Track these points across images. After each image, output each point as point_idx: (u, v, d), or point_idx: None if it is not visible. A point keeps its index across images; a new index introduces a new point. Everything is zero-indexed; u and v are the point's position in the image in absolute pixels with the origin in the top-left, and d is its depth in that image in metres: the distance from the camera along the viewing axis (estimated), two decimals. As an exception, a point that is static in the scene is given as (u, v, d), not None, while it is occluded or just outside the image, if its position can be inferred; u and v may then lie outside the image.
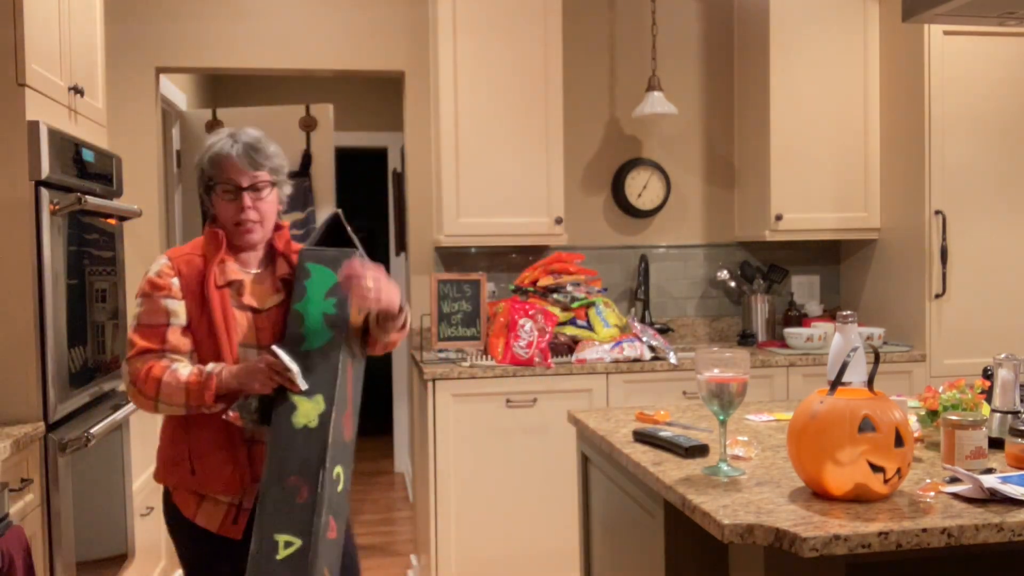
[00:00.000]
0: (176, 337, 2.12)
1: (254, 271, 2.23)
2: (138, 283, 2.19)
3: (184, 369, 2.08)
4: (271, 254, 2.27)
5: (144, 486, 3.59)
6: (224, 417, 2.08)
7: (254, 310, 2.18)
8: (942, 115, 3.86)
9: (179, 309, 2.13)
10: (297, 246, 2.29)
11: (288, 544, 1.94)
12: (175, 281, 2.14)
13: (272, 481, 1.99)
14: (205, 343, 2.13)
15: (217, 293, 2.14)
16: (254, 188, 2.17)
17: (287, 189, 2.28)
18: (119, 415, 2.97)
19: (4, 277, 2.51)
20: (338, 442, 2.04)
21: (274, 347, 2.06)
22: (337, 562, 2.08)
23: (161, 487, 2.25)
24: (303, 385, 2.03)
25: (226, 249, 2.19)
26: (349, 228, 2.25)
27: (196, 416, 2.12)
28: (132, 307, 2.18)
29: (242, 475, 2.13)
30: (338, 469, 2.04)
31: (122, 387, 3.28)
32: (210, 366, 2.09)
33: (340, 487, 2.05)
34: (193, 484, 2.16)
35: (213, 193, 2.18)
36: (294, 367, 2.02)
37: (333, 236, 2.25)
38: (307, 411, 2.04)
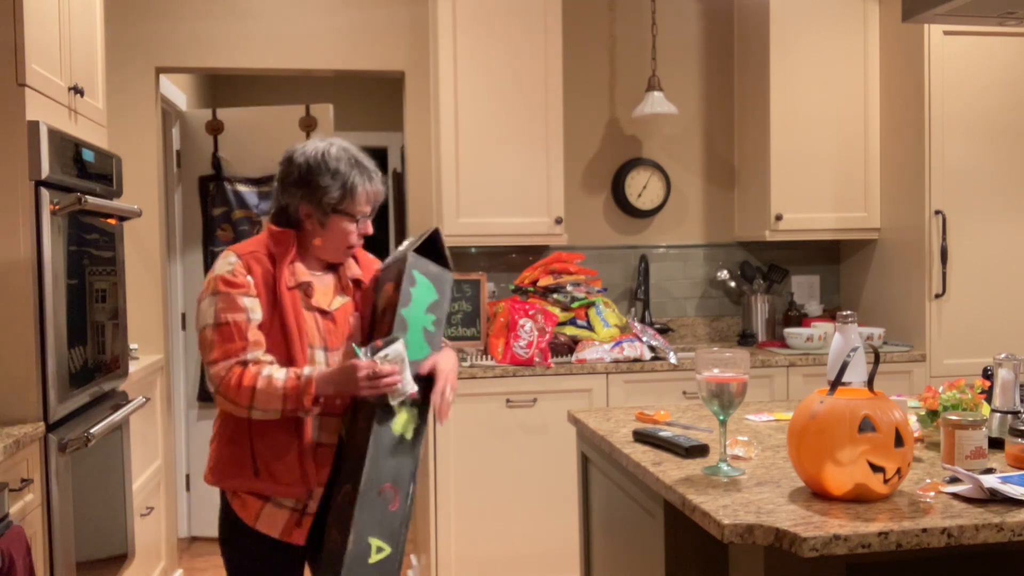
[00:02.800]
0: (256, 334, 2.09)
1: (318, 273, 2.23)
2: (207, 280, 2.11)
3: (279, 373, 2.04)
4: None
5: (144, 486, 3.59)
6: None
7: (322, 312, 2.18)
8: (942, 115, 3.86)
9: (256, 307, 2.11)
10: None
11: (380, 549, 1.98)
12: (250, 279, 2.11)
13: (371, 486, 1.99)
14: (276, 344, 2.11)
15: (289, 294, 2.13)
16: (367, 215, 2.21)
17: None
18: (119, 415, 2.96)
19: (4, 277, 2.51)
20: (420, 459, 2.09)
21: (367, 349, 2.05)
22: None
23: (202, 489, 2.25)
24: (410, 388, 2.04)
25: (295, 251, 2.18)
26: (446, 248, 2.26)
27: (267, 425, 2.09)
28: (204, 306, 2.09)
29: (310, 478, 2.11)
30: (414, 485, 2.09)
31: (122, 387, 3.28)
32: (306, 370, 2.06)
33: (410, 502, 2.09)
34: (257, 487, 2.12)
35: (331, 213, 2.15)
36: (384, 351, 2.02)
37: (430, 248, 2.24)
38: (404, 421, 2.06)
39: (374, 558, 1.96)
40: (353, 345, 2.10)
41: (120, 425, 3.09)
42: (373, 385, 2.01)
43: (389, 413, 2.05)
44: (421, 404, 2.09)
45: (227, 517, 2.19)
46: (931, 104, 3.86)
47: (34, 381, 2.53)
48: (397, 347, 2.04)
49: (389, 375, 2.01)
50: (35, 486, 2.46)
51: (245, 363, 2.05)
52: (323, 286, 2.22)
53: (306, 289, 2.17)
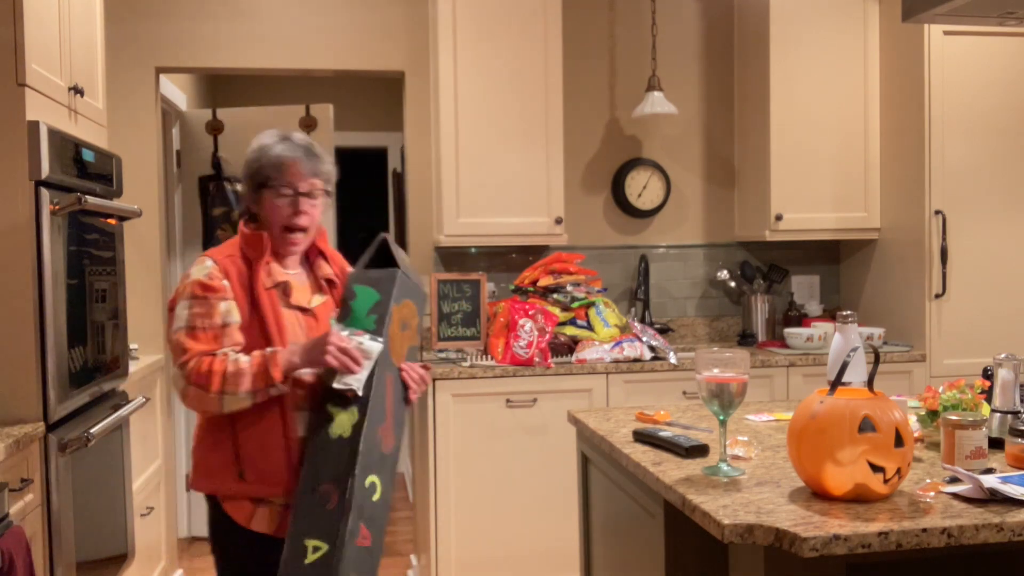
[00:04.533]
0: (234, 336, 2.11)
1: (293, 272, 2.26)
2: (171, 285, 2.17)
3: (244, 357, 2.07)
4: (308, 255, 2.31)
5: (144, 486, 3.59)
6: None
7: (303, 309, 2.22)
8: (942, 115, 3.86)
9: (233, 309, 2.13)
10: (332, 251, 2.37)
11: (316, 549, 1.98)
12: (226, 283, 2.13)
13: (306, 489, 2.03)
14: (258, 345, 2.12)
15: (267, 294, 2.15)
16: (310, 195, 2.18)
17: (330, 200, 2.30)
18: (119, 415, 2.96)
19: (4, 277, 2.51)
20: (373, 452, 2.07)
21: (332, 321, 2.10)
22: (372, 571, 2.09)
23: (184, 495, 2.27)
24: (358, 385, 2.06)
25: (269, 251, 2.20)
26: (395, 248, 2.30)
27: (243, 417, 2.10)
28: (179, 310, 2.11)
29: (297, 472, 2.12)
30: (372, 478, 2.07)
31: (122, 387, 3.28)
32: (270, 349, 2.09)
33: (376, 496, 2.08)
34: (244, 490, 2.13)
35: (265, 191, 2.17)
36: (361, 338, 2.06)
37: (380, 257, 2.31)
38: (342, 422, 2.07)
39: (310, 558, 1.97)
40: (331, 318, 2.14)
41: (120, 425, 3.09)
42: (338, 357, 2.03)
43: (326, 417, 2.08)
44: (363, 404, 2.10)
45: (219, 520, 2.19)
46: (931, 104, 3.86)
47: (34, 381, 2.53)
48: (374, 345, 2.08)
49: (355, 359, 2.04)
50: (35, 486, 2.46)
51: (214, 353, 2.07)
52: (300, 284, 2.25)
53: (284, 288, 2.19)
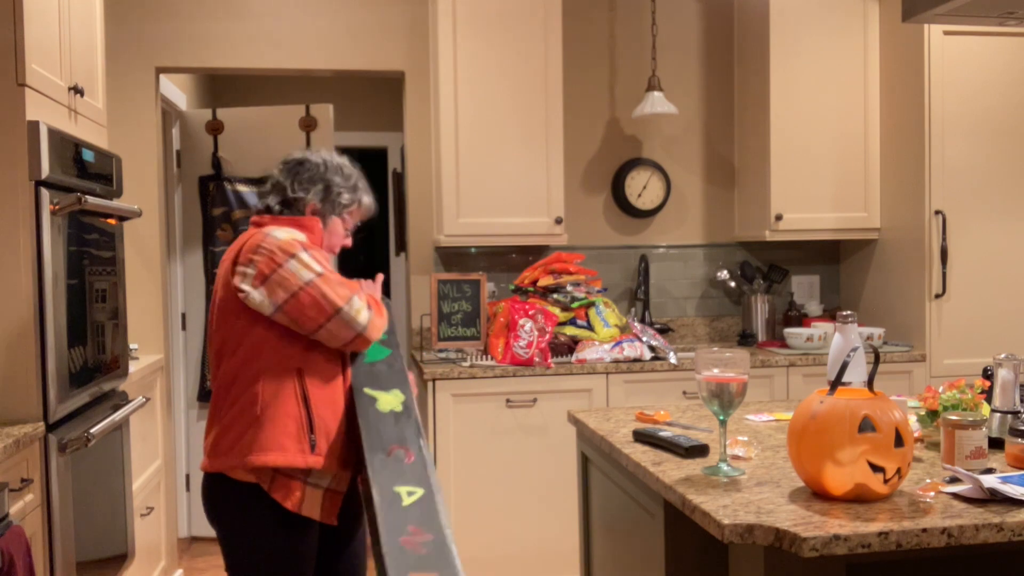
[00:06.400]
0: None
1: None
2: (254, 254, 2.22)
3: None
4: None
5: (144, 486, 3.59)
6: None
7: None
8: (942, 115, 3.86)
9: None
10: None
11: (411, 493, 2.02)
12: None
13: (375, 451, 2.09)
14: None
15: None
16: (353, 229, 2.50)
17: None
18: (119, 415, 2.96)
19: (4, 277, 2.51)
20: (420, 422, 2.24)
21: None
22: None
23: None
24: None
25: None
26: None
27: (317, 388, 2.20)
28: (295, 265, 2.18)
29: (351, 449, 2.25)
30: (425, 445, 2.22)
31: (122, 387, 3.28)
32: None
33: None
34: (307, 462, 2.16)
35: (340, 212, 2.40)
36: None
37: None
38: (389, 400, 2.20)
39: (407, 501, 2.00)
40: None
41: (120, 425, 3.10)
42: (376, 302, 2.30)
43: (369, 399, 2.20)
44: (403, 384, 2.26)
45: (261, 506, 2.18)
46: (931, 104, 3.86)
47: (34, 381, 2.53)
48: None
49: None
50: (35, 486, 2.46)
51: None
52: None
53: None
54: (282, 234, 2.21)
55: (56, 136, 2.61)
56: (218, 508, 2.25)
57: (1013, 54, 3.92)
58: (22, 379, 2.52)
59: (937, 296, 3.89)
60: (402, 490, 2.01)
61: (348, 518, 2.39)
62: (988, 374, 2.28)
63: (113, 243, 3.16)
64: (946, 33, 3.84)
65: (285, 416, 2.17)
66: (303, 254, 2.18)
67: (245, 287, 2.17)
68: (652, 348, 3.84)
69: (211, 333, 2.31)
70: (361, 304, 2.20)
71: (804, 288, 4.52)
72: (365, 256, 8.58)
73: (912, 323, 3.99)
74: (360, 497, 2.37)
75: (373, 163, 7.00)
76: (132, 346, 3.80)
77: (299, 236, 2.25)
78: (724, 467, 1.90)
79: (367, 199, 2.46)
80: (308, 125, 4.70)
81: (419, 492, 2.01)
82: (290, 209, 2.36)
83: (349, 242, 2.46)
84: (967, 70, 3.89)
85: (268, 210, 2.37)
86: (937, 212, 3.87)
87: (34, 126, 2.50)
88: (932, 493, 1.73)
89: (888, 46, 4.10)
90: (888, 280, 4.17)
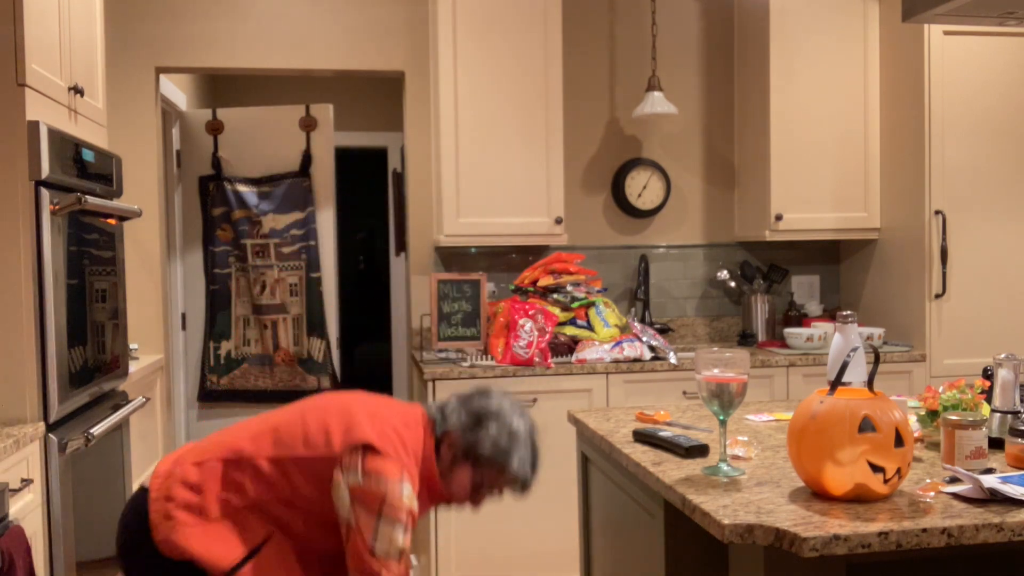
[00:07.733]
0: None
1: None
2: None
3: None
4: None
5: (144, 486, 3.59)
6: None
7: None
8: (942, 115, 3.86)
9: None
10: None
11: None
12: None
13: None
14: None
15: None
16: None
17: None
18: (119, 415, 2.96)
19: (4, 277, 2.51)
20: None
21: None
22: None
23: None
24: None
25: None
26: None
27: (284, 558, 2.02)
28: (385, 527, 1.96)
29: None
30: None
31: (122, 387, 3.28)
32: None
33: None
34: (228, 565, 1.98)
35: (476, 473, 2.10)
36: None
37: None
38: None
39: None
40: None
41: (120, 425, 3.10)
42: None
43: None
44: None
45: (146, 536, 2.00)
46: (931, 104, 3.86)
47: (34, 381, 2.53)
48: None
49: None
50: (35, 486, 2.46)
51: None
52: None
53: None
54: (405, 491, 1.98)
55: (56, 136, 2.61)
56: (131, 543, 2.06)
57: (1013, 54, 3.92)
58: (22, 379, 2.52)
59: (937, 296, 3.89)
60: None
61: None
62: (988, 374, 2.28)
63: (113, 243, 3.17)
64: (946, 33, 3.84)
65: (237, 539, 2.00)
66: (390, 520, 1.96)
67: (341, 483, 1.99)
68: (652, 348, 3.84)
69: (288, 412, 2.12)
70: (400, 549, 1.98)
71: (804, 288, 4.52)
72: (365, 256, 8.59)
73: (912, 323, 3.99)
74: None
75: (373, 163, 7.01)
76: (132, 346, 3.80)
77: (408, 496, 1.99)
78: (724, 467, 1.90)
79: (517, 473, 2.10)
80: (308, 125, 4.71)
81: None
82: (445, 445, 2.11)
83: (474, 504, 2.16)
84: (967, 70, 3.89)
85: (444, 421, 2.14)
86: (937, 212, 3.87)
87: (34, 126, 2.50)
88: (932, 493, 1.73)
89: (888, 46, 4.10)
90: (888, 280, 4.17)
